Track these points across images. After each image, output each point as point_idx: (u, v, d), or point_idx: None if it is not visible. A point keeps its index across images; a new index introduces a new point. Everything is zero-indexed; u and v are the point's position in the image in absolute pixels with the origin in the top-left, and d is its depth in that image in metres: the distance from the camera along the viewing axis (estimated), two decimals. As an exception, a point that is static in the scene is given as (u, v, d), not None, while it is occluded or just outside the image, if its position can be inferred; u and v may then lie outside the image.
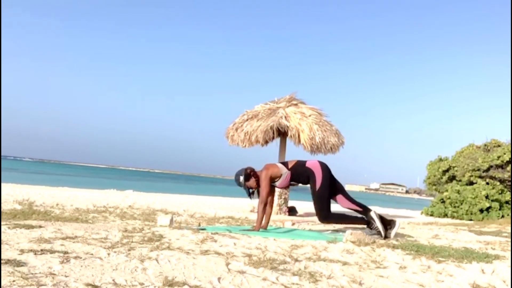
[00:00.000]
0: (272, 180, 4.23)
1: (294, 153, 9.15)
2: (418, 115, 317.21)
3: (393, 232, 4.15)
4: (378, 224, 4.12)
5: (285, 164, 4.30)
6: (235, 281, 2.14)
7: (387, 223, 4.20)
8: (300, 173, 4.24)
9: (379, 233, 4.12)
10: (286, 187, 4.53)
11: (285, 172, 4.23)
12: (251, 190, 4.32)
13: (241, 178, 4.27)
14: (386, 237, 4.10)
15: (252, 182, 4.28)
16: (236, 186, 4.39)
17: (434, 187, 15.00)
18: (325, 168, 4.23)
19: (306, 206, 12.42)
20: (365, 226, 4.25)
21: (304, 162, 4.29)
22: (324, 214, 4.16)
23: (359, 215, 4.32)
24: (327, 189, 4.18)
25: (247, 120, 8.91)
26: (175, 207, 8.95)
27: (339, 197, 4.28)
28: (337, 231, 4.88)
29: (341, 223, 4.30)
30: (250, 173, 4.27)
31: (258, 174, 4.28)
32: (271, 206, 4.41)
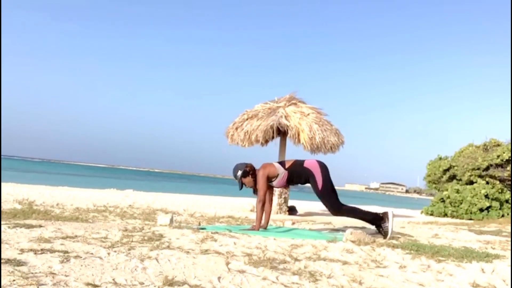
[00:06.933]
0: (269, 179, 4.22)
1: (294, 153, 9.15)
2: (418, 115, 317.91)
3: (389, 226, 4.04)
4: (389, 224, 4.03)
5: (282, 163, 4.28)
6: (235, 280, 2.14)
7: (380, 219, 4.12)
8: (298, 174, 4.21)
9: (385, 233, 4.04)
10: (285, 187, 4.51)
11: (282, 172, 4.21)
12: (244, 186, 4.33)
13: (239, 173, 4.26)
14: (385, 235, 4.06)
15: (249, 180, 4.27)
16: (237, 183, 4.38)
17: (434, 185, 14.98)
18: (324, 167, 4.21)
19: (306, 205, 12.43)
20: (374, 224, 4.17)
21: (302, 162, 4.26)
22: (336, 207, 4.12)
23: (372, 211, 4.29)
24: (330, 185, 4.17)
25: (247, 119, 8.90)
26: (175, 206, 8.94)
27: None
28: (337, 230, 4.88)
29: (353, 217, 4.25)
30: (248, 171, 4.27)
31: (257, 173, 4.27)
32: (270, 205, 4.39)
